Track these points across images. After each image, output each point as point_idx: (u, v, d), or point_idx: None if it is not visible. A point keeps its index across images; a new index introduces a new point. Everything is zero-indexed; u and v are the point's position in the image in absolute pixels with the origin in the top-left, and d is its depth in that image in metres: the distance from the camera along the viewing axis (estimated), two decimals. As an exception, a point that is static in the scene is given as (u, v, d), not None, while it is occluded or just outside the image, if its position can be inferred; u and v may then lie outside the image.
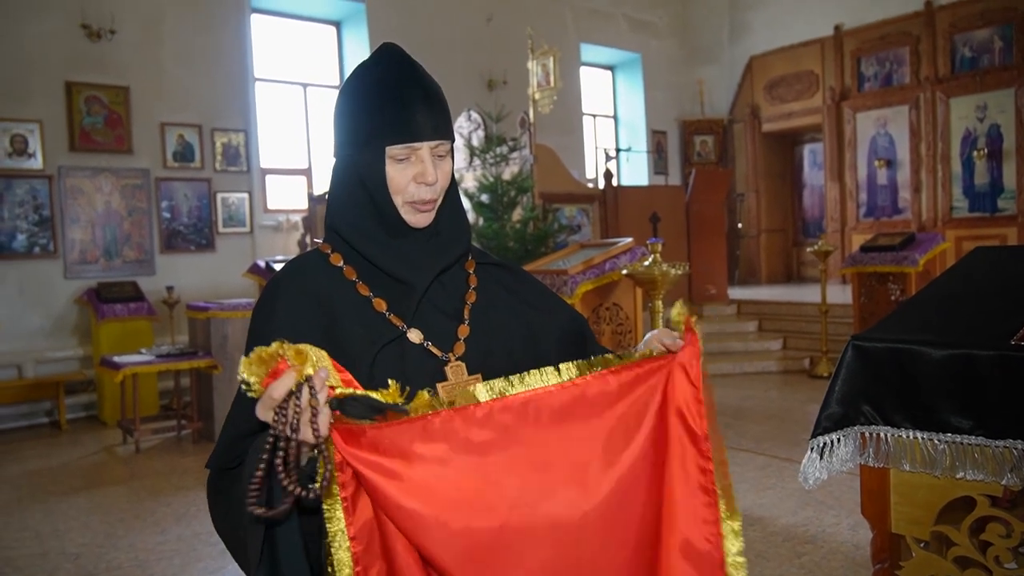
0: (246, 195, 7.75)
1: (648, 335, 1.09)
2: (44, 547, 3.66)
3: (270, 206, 8.16)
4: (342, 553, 0.95)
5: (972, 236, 8.97)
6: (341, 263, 1.16)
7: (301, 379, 0.86)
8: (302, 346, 0.89)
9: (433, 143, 1.13)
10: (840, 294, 8.45)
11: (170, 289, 6.87)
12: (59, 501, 4.34)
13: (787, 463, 4.55)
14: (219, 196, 7.59)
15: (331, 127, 1.19)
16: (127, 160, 7.06)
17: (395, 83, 1.12)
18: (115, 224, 6.98)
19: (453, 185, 1.20)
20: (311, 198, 7.82)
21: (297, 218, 8.06)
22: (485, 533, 0.96)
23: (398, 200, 1.12)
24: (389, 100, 1.11)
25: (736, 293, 9.37)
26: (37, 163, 6.60)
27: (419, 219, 1.15)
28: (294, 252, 7.78)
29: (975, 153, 9.13)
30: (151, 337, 6.60)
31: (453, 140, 1.18)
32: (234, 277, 7.33)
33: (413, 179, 1.12)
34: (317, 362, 0.89)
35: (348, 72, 8.31)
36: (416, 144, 1.11)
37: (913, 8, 9.62)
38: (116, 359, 5.42)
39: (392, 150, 1.11)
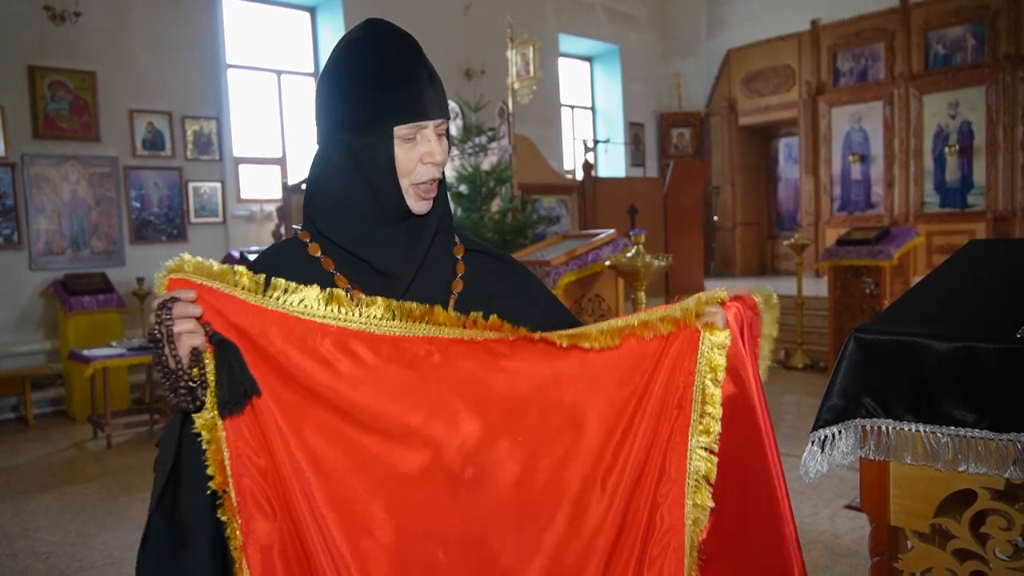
0: (219, 184, 7.59)
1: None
2: (13, 548, 3.54)
3: (243, 196, 8.00)
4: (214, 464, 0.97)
5: (942, 231, 9.12)
6: (319, 253, 1.11)
7: (161, 291, 0.94)
8: (192, 264, 0.95)
9: (437, 121, 1.10)
10: (814, 287, 8.53)
11: (140, 280, 6.71)
12: (28, 499, 4.21)
13: (766, 454, 4.57)
14: (191, 185, 7.42)
15: (316, 111, 1.12)
16: (94, 148, 6.86)
17: (399, 59, 1.07)
18: (82, 214, 6.79)
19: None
20: (285, 188, 7.69)
21: (271, 208, 7.92)
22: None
23: (404, 184, 1.08)
24: (395, 79, 1.06)
25: (712, 285, 9.39)
26: (-1, 150, 6.39)
27: (422, 206, 1.11)
28: (268, 243, 7.64)
29: (947, 149, 9.28)
30: (121, 330, 6.44)
31: (449, 118, 1.15)
32: None
33: (420, 160, 1.08)
34: (210, 278, 0.95)
35: (323, 59, 8.06)
36: (424, 123, 1.08)
37: (888, 5, 9.73)
38: (86, 352, 5.28)
39: (400, 130, 1.06)
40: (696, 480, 1.06)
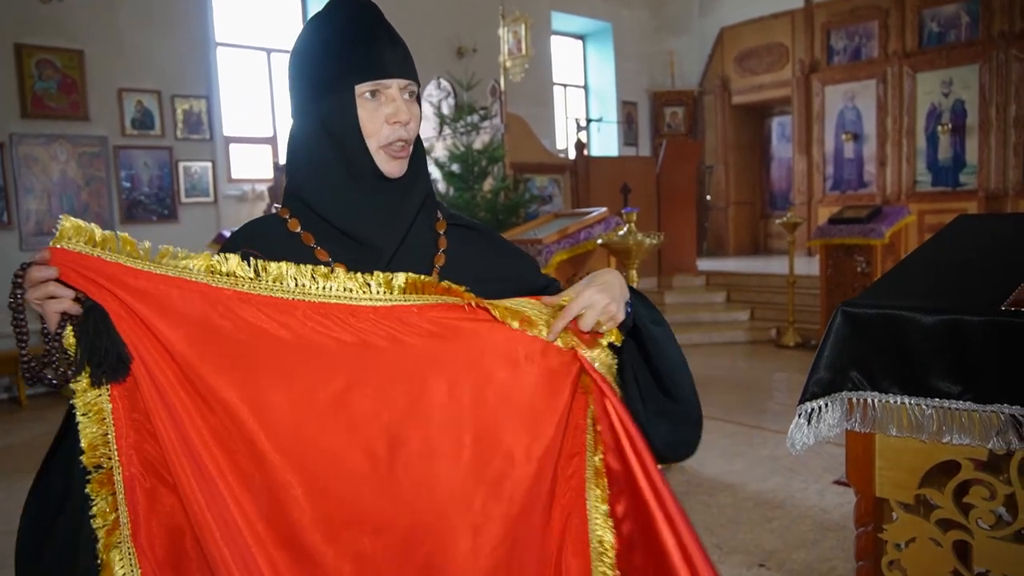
0: (209, 164, 7.53)
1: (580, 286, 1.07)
2: (11, 526, 3.53)
3: (234, 175, 7.94)
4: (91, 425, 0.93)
5: (934, 210, 9.14)
6: (299, 229, 1.10)
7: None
8: (72, 228, 0.90)
9: (403, 82, 1.09)
10: (806, 266, 8.57)
11: (132, 261, 6.68)
12: (25, 479, 4.15)
13: (756, 431, 4.62)
14: (181, 165, 7.37)
15: (288, 86, 1.12)
16: (83, 127, 6.79)
17: (358, 23, 1.08)
18: (72, 194, 6.74)
19: (419, 138, 1.15)
20: (276, 167, 7.64)
21: (262, 188, 7.87)
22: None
23: (372, 145, 1.07)
24: (354, 39, 1.07)
25: (704, 264, 9.44)
26: (-14, 130, 6.32)
27: (394, 167, 1.09)
28: (260, 223, 7.61)
29: (939, 128, 9.27)
30: (113, 310, 6.42)
31: (419, 85, 1.14)
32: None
33: (386, 120, 1.07)
34: (85, 244, 0.90)
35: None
36: (386, 81, 1.07)
37: (882, -19, 9.67)
38: (77, 332, 5.26)
39: (361, 88, 1.06)
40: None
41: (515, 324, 1.03)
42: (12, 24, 6.38)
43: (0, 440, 5.05)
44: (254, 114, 8.28)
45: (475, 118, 6.96)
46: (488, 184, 6.87)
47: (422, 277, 1.02)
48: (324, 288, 0.99)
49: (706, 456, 4.11)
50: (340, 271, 1.02)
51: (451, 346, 1.02)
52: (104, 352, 0.90)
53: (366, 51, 1.06)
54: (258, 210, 7.83)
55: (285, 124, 8.43)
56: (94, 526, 0.92)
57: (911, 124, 9.48)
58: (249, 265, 0.97)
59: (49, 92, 6.60)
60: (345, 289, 0.99)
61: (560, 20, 10.85)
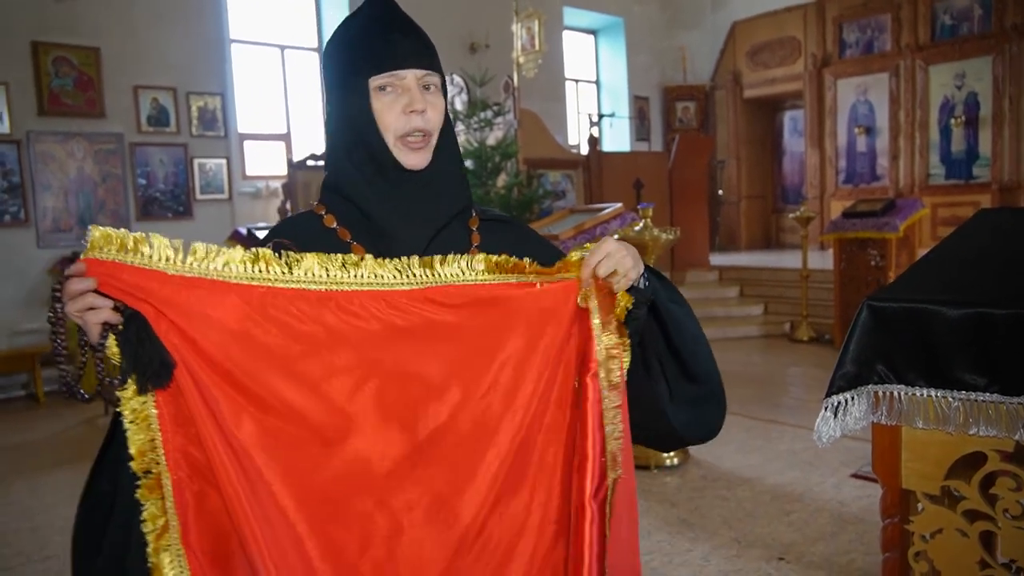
0: (224, 161, 7.58)
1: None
2: (33, 522, 3.62)
3: (249, 172, 8.00)
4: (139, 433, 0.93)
5: (947, 203, 9.10)
6: (335, 224, 1.12)
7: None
8: (100, 238, 0.90)
9: (419, 72, 1.09)
10: (819, 260, 8.55)
11: (148, 257, 6.74)
12: (45, 475, 4.28)
13: (772, 425, 4.63)
14: (196, 162, 7.42)
15: (322, 86, 1.17)
16: (99, 124, 6.85)
17: (374, 18, 1.10)
18: (89, 191, 6.80)
19: (449, 129, 1.15)
20: (291, 164, 7.68)
21: (277, 185, 7.91)
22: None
23: (389, 138, 1.09)
24: (369, 33, 1.09)
25: (717, 259, 9.44)
26: (4, 127, 6.37)
27: (414, 159, 1.10)
28: (274, 219, 7.66)
29: (952, 121, 9.22)
30: (130, 306, 6.48)
31: (442, 75, 1.14)
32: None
33: (402, 111, 1.08)
34: (116, 252, 0.90)
35: (326, 34, 8.02)
36: (400, 72, 1.08)
37: (895, -26, 9.61)
38: (96, 328, 5.32)
39: (375, 80, 1.08)
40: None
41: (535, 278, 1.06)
42: (29, 22, 6.44)
43: (19, 436, 5.11)
44: (268, 111, 8.32)
45: (488, 114, 6.99)
46: (502, 180, 6.90)
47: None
48: (356, 276, 1.00)
49: (723, 450, 4.13)
50: (369, 259, 1.02)
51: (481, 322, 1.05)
52: (148, 359, 0.91)
53: (381, 44, 1.08)
54: (272, 207, 7.88)
55: (299, 121, 8.50)
56: (144, 531, 0.94)
57: (924, 117, 9.44)
58: (281, 258, 0.97)
59: (65, 89, 6.66)
60: (375, 276, 1.00)
61: (572, 15, 10.84)
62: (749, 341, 7.45)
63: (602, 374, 1.04)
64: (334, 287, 0.98)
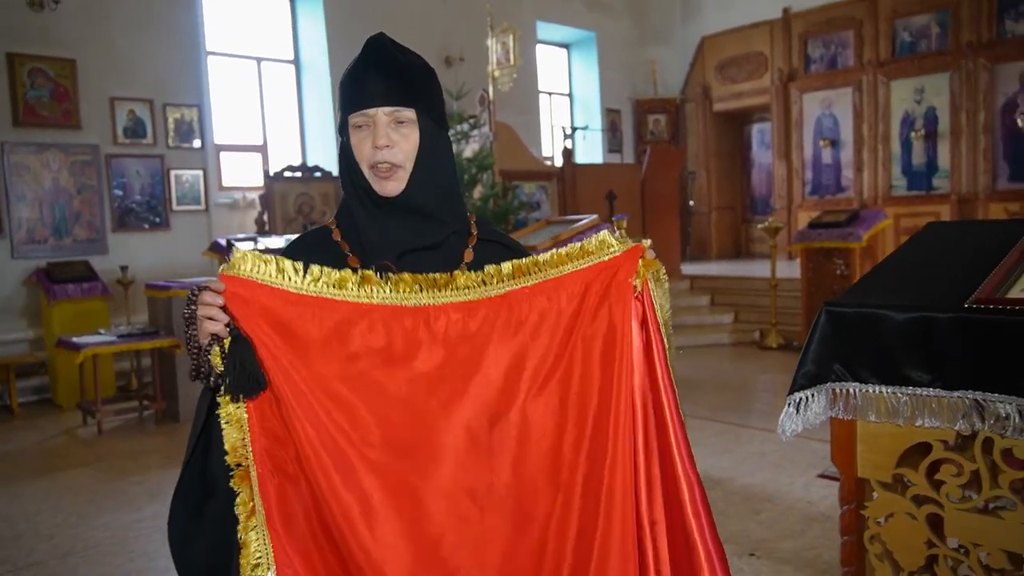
0: (200, 172, 7.60)
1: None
2: (16, 530, 3.62)
3: (225, 183, 8.02)
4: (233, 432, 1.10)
5: (909, 213, 9.41)
6: (339, 238, 1.28)
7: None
8: (238, 260, 1.08)
9: (387, 109, 1.21)
10: (787, 269, 8.78)
11: (124, 269, 6.73)
12: (25, 485, 4.28)
13: (743, 429, 4.79)
14: (172, 173, 7.43)
15: None
16: (75, 136, 6.84)
17: (361, 59, 1.25)
18: (64, 202, 6.78)
19: (429, 157, 1.24)
20: (267, 175, 7.73)
21: (254, 196, 7.95)
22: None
23: (364, 168, 1.23)
24: (352, 74, 1.24)
25: (688, 269, 9.64)
26: (-22, 138, 6.35)
27: (384, 187, 1.23)
28: (251, 231, 7.68)
29: (913, 134, 9.56)
30: (106, 318, 6.47)
31: (420, 109, 1.23)
32: (190, 256, 7.21)
33: (372, 145, 1.21)
34: (250, 270, 1.08)
35: (303, 46, 8.10)
36: (368, 111, 1.21)
37: (857, -8, 9.96)
38: (75, 340, 5.32)
39: (352, 118, 1.23)
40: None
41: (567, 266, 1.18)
42: (4, 33, 6.43)
43: (-3, 447, 5.09)
44: (245, 122, 8.36)
45: (465, 127, 7.11)
46: (478, 192, 7.01)
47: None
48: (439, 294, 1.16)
49: (696, 453, 4.17)
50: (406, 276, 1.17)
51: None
52: (245, 378, 1.08)
53: (356, 85, 1.23)
54: (249, 218, 7.90)
55: (275, 132, 8.52)
56: (236, 513, 1.10)
57: (886, 130, 9.77)
58: (382, 278, 1.14)
59: (41, 101, 6.65)
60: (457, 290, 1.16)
61: (545, 29, 11.03)
62: (720, 348, 7.64)
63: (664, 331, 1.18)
64: (424, 302, 1.14)
